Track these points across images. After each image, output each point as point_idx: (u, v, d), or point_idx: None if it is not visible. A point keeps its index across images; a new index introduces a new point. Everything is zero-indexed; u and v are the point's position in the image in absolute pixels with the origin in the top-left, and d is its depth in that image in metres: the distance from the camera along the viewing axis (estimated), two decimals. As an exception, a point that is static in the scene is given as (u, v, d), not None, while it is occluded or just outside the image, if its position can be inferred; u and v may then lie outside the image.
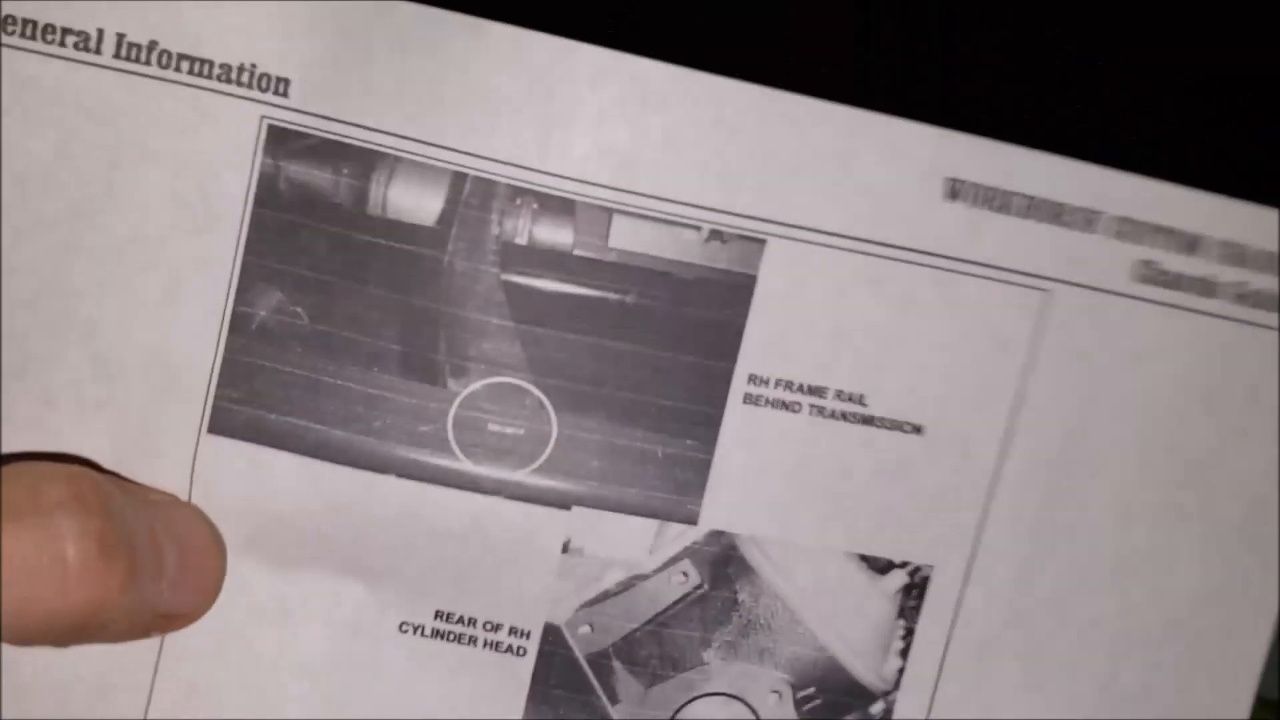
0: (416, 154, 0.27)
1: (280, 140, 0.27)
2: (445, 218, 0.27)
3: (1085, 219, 0.29)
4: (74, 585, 0.24)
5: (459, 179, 0.27)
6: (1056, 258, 0.29)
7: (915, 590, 0.31)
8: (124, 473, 0.29)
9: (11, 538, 0.23)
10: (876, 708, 0.31)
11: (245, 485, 0.28)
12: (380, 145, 0.27)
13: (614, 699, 0.30)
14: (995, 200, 0.29)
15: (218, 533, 0.27)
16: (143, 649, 0.29)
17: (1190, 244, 0.30)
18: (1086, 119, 0.30)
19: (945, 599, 0.31)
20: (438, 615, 0.29)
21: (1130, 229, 0.29)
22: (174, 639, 0.29)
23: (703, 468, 0.29)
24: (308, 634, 0.29)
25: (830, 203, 0.28)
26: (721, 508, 0.30)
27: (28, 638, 0.24)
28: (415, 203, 0.27)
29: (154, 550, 0.25)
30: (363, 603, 0.29)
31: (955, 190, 0.29)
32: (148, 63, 0.27)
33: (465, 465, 0.29)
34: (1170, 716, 0.32)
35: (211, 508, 0.28)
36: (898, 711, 0.31)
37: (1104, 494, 0.31)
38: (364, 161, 0.27)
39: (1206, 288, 0.30)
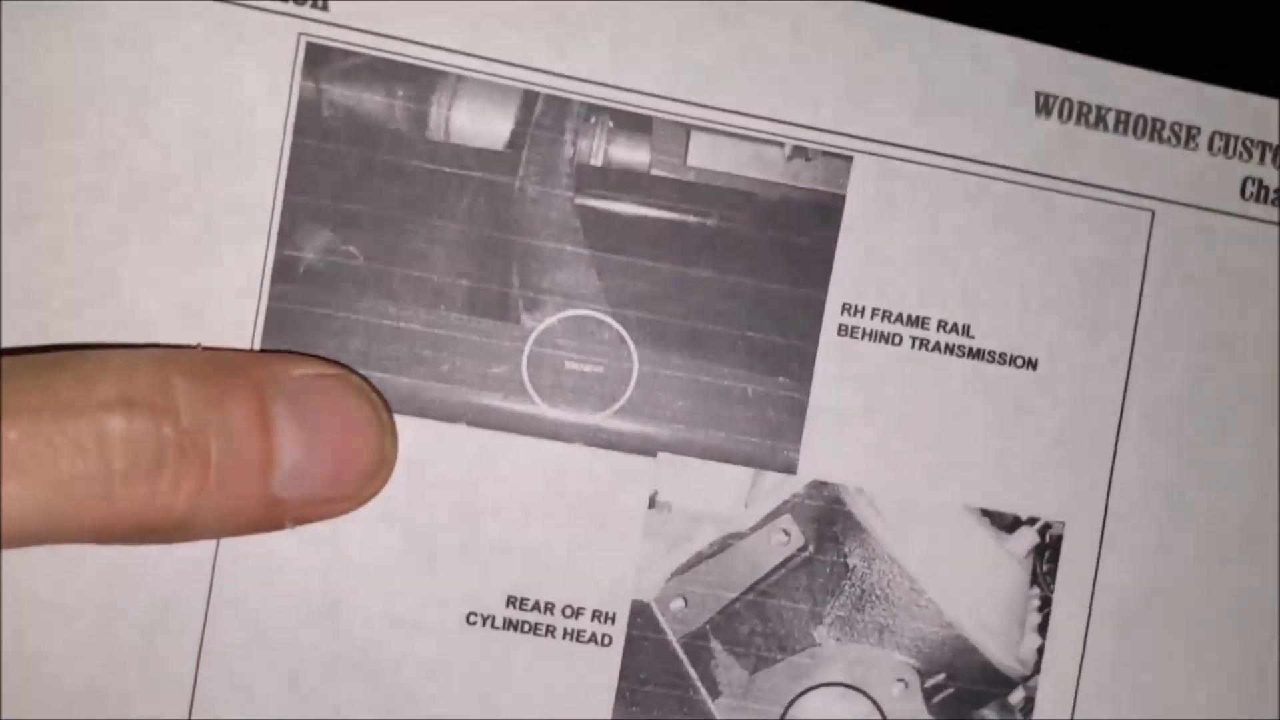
0: (483, 72, 0.25)
1: (321, 60, 0.26)
2: (515, 140, 0.26)
3: (1185, 135, 0.27)
4: (121, 496, 0.21)
5: (530, 98, 0.25)
6: (1160, 176, 0.27)
7: (1048, 552, 0.27)
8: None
9: (52, 437, 0.20)
10: (1016, 696, 0.27)
11: None
12: (441, 64, 0.25)
13: (715, 691, 0.26)
14: (1088, 115, 0.27)
15: (374, 406, 0.24)
16: (181, 645, 0.25)
17: None
18: (1177, 32, 0.28)
19: (1082, 563, 0.27)
20: (509, 602, 0.26)
21: (1233, 145, 0.27)
22: (212, 630, 0.26)
23: (798, 408, 0.26)
24: (363, 629, 0.25)
25: (917, 117, 0.26)
26: (822, 454, 0.26)
27: (79, 539, 0.21)
28: (483, 125, 0.26)
29: (257, 438, 0.22)
30: (425, 591, 0.25)
31: (1046, 104, 0.27)
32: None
33: (542, 409, 0.26)
34: None
35: None
36: (1040, 700, 0.27)
37: (1240, 437, 0.27)
38: (422, 82, 0.26)
39: None
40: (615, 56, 0.25)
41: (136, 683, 0.25)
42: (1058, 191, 0.27)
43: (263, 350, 0.25)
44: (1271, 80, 0.28)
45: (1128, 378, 0.27)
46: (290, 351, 0.24)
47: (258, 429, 0.22)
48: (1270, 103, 0.27)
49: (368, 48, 0.25)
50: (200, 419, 0.21)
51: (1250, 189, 0.27)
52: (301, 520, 0.23)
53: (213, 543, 0.25)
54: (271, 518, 0.23)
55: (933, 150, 0.26)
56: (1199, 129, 0.27)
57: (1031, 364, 0.27)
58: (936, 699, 0.26)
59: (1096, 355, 0.27)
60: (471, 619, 0.25)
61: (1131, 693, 0.27)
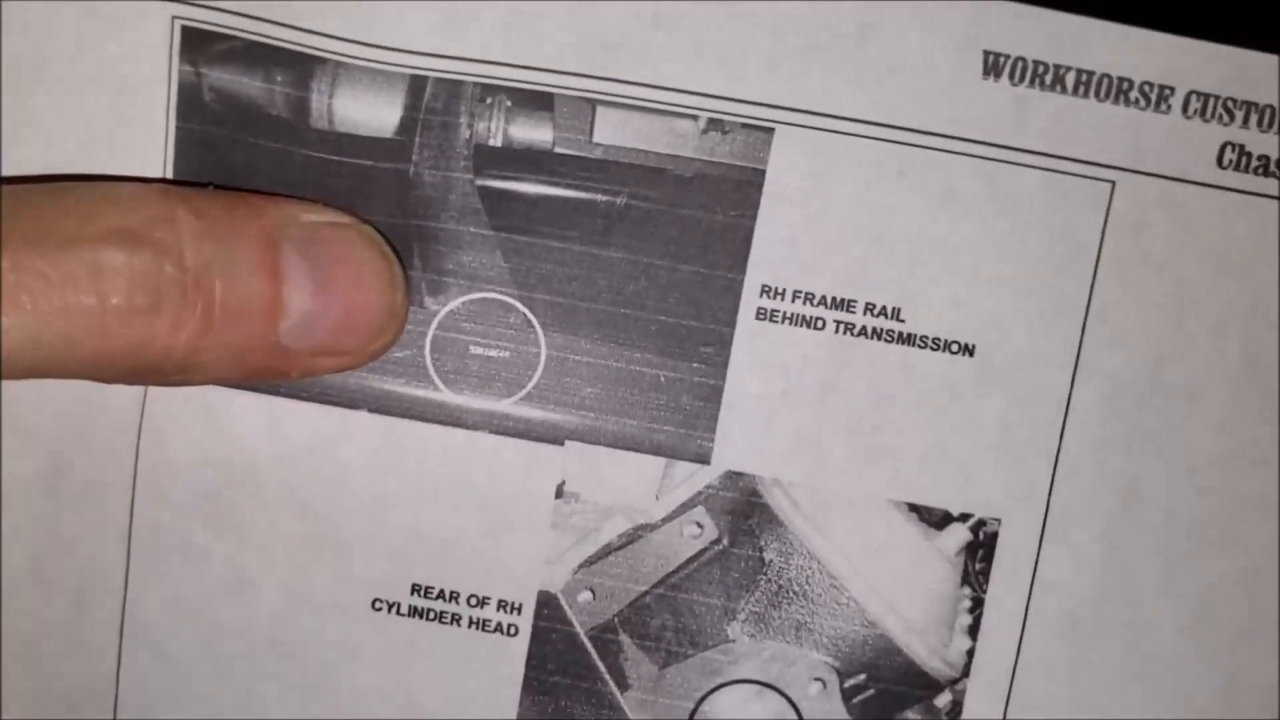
0: (364, 59, 0.23)
1: (198, 44, 0.24)
2: (405, 126, 0.23)
3: (1156, 96, 0.23)
4: (118, 330, 0.20)
5: (418, 83, 0.23)
6: (1124, 143, 0.23)
7: (981, 550, 0.24)
8: (67, 427, 0.24)
9: (47, 268, 0.19)
10: (942, 699, 0.24)
11: (198, 433, 0.24)
12: (318, 49, 0.23)
13: (624, 684, 0.24)
14: (1043, 76, 0.23)
15: (386, 259, 0.23)
16: (105, 614, 0.25)
17: None
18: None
19: (1019, 562, 0.24)
20: (415, 590, 0.24)
21: (1211, 106, 0.23)
22: (133, 599, 0.25)
23: (713, 395, 0.24)
24: (275, 607, 0.24)
25: (848, 84, 0.23)
26: (738, 444, 0.24)
27: (75, 374, 0.20)
28: (367, 114, 0.23)
29: (265, 283, 0.21)
30: (332, 576, 0.24)
31: (995, 65, 0.23)
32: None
33: (446, 395, 0.24)
34: None
35: (162, 460, 0.24)
36: (969, 704, 0.24)
37: (1204, 427, 0.24)
38: (299, 68, 0.23)
39: None
40: (509, 32, 0.23)
41: (65, 648, 0.24)
42: (1006, 162, 0.24)
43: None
44: (1254, 33, 0.23)
45: (1077, 364, 0.24)
46: (303, 198, 0.23)
47: (266, 273, 0.21)
48: (1254, 57, 0.23)
49: (243, 31, 0.23)
50: (205, 259, 0.20)
51: (1229, 155, 0.24)
52: (308, 372, 0.22)
53: (126, 515, 0.24)
54: (277, 367, 0.22)
55: (865, 120, 0.23)
56: (1172, 89, 0.23)
57: (968, 350, 0.24)
58: (856, 700, 0.24)
59: (1042, 341, 0.24)
60: (377, 605, 0.24)
61: (1070, 698, 0.24)
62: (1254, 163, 0.24)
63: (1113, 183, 0.24)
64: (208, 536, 0.24)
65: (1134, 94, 0.23)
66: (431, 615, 0.24)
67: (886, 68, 0.23)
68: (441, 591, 0.24)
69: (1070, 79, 0.23)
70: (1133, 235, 0.24)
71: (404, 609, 0.24)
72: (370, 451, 0.24)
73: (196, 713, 0.24)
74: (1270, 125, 0.23)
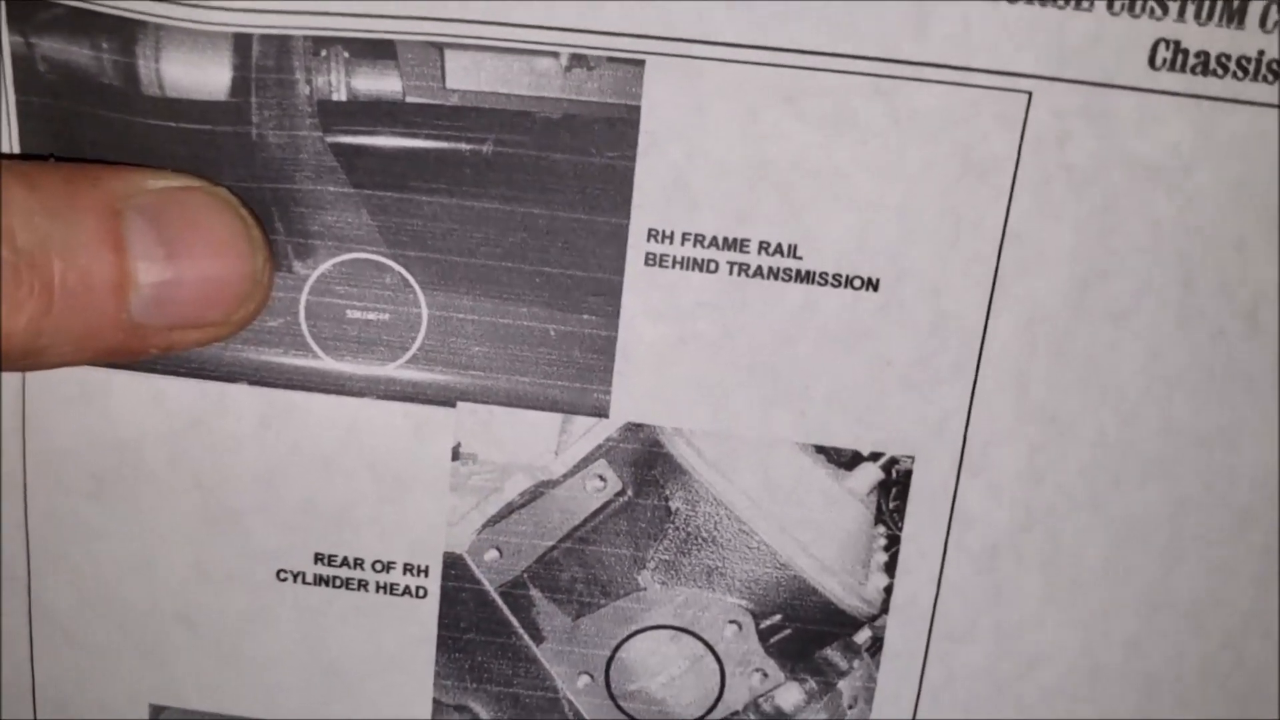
0: (183, 19, 0.20)
1: (23, 14, 0.21)
2: (239, 87, 0.21)
3: None
4: None
5: (243, 41, 0.20)
6: (1041, 48, 0.20)
7: (896, 489, 0.22)
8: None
9: None
10: (861, 636, 0.23)
11: (81, 416, 0.23)
12: (134, 12, 0.20)
13: (538, 637, 0.23)
14: None
15: (243, 221, 0.21)
16: (12, 604, 0.24)
17: (1233, 12, 0.19)
18: None
19: (936, 498, 0.22)
20: (318, 559, 0.23)
21: (1142, 0, 0.20)
22: (38, 588, 0.24)
23: (607, 347, 0.22)
24: (178, 582, 0.23)
25: (724, 5, 0.20)
26: (636, 395, 0.22)
27: None
28: (196, 77, 0.21)
29: (109, 257, 0.19)
30: (232, 549, 0.23)
31: None
32: None
33: (326, 363, 0.22)
34: (1238, 628, 0.22)
35: (51, 446, 0.23)
36: (890, 640, 0.23)
37: (1133, 353, 0.21)
38: (123, 34, 0.21)
39: (1254, 69, 0.20)
40: None
41: None
42: (904, 79, 0.21)
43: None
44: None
45: (993, 292, 0.22)
46: (148, 166, 0.21)
47: (109, 246, 0.19)
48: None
49: None
50: (40, 236, 0.19)
51: (1163, 54, 0.21)
52: (169, 348, 0.21)
53: (21, 504, 0.24)
54: (132, 345, 0.20)
55: (744, 44, 0.21)
56: (1095, -18, 0.20)
57: (872, 285, 0.22)
58: (774, 640, 0.24)
59: (953, 270, 0.22)
60: (282, 575, 0.23)
61: (992, 625, 0.23)
62: (1191, 61, 0.20)
63: (1029, 93, 0.21)
64: (104, 518, 0.23)
65: (1051, -9, 0.20)
66: (338, 583, 0.23)
67: (766, -18, 0.20)
68: (345, 559, 0.23)
69: (976, -20, 0.20)
70: (1053, 149, 0.21)
71: (309, 578, 0.23)
72: (254, 424, 0.23)
73: (115, 693, 0.24)
74: (1210, 16, 0.20)
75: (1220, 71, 0.20)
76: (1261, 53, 0.20)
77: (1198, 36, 0.20)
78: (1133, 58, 0.20)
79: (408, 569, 0.23)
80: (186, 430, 0.23)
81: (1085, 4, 0.20)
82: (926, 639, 0.23)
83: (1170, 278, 0.21)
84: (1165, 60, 0.20)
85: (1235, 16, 0.20)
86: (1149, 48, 0.20)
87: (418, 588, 0.23)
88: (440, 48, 0.21)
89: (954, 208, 0.21)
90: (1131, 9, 0.20)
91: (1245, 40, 0.20)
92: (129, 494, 0.23)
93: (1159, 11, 0.20)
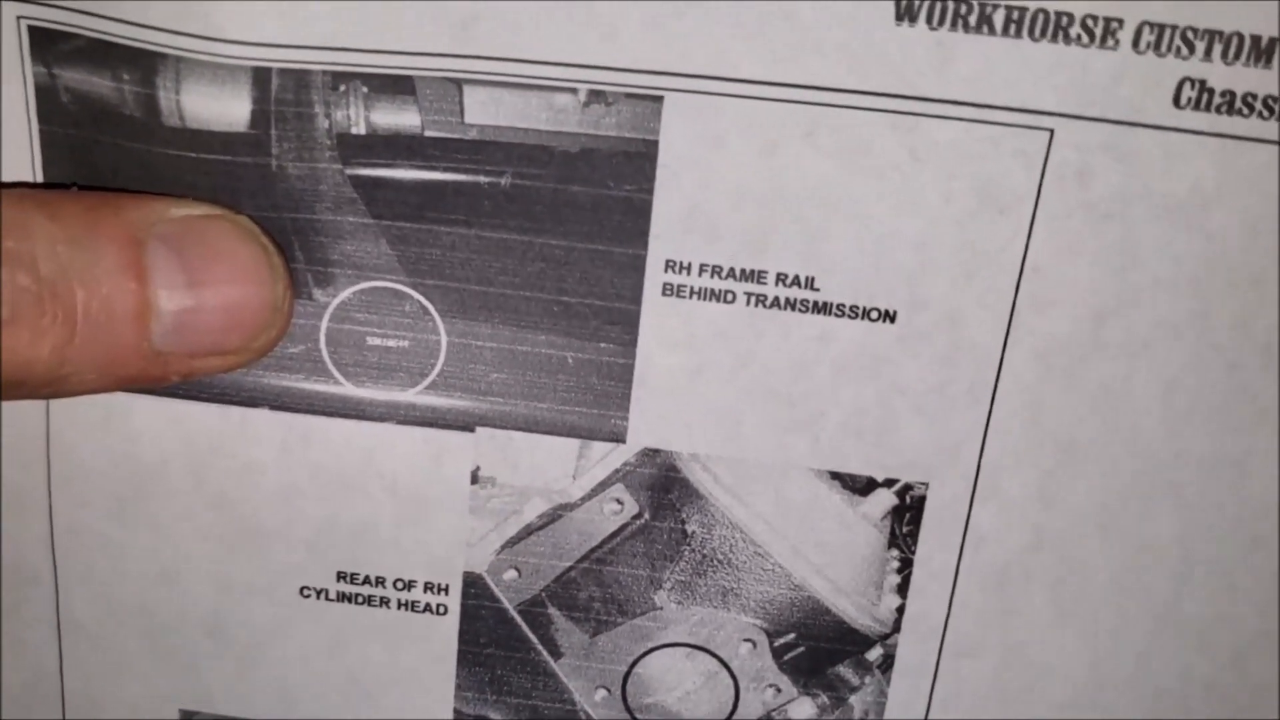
0: (203, 53, 0.19)
1: (46, 44, 0.21)
2: (258, 120, 0.21)
3: (1103, 30, 0.19)
4: None
5: (262, 74, 0.20)
6: (1064, 85, 0.20)
7: (909, 513, 0.22)
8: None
9: None
10: (874, 653, 0.23)
11: (104, 438, 0.23)
12: (155, 45, 0.20)
13: (556, 653, 0.24)
14: (967, 17, 0.20)
15: (264, 250, 0.21)
16: (39, 617, 0.25)
17: (1260, 51, 0.19)
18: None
19: (948, 522, 0.22)
20: (340, 576, 0.23)
21: (1167, 39, 0.19)
22: (65, 602, 0.25)
23: (624, 374, 0.22)
24: (203, 596, 0.23)
25: (741, 41, 0.20)
26: (653, 421, 0.22)
27: None
28: (216, 109, 0.21)
29: (131, 285, 0.19)
30: (256, 564, 0.23)
31: (910, 8, 0.20)
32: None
33: (347, 389, 0.22)
34: (1244, 647, 0.23)
35: (74, 465, 0.23)
36: (901, 657, 0.23)
37: (1148, 384, 0.21)
38: (143, 66, 0.21)
39: (1279, 108, 0.20)
40: (354, 16, 0.20)
41: (6, 654, 0.25)
42: (925, 115, 0.21)
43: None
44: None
45: (1010, 324, 0.22)
46: (170, 194, 0.21)
47: (131, 275, 0.19)
48: (1219, -21, 0.20)
49: (85, 29, 0.20)
50: (63, 264, 0.19)
51: (1188, 93, 0.20)
52: (190, 375, 0.21)
53: (46, 520, 0.24)
54: (153, 372, 0.20)
55: (763, 80, 0.20)
56: (1120, 21, 0.20)
57: (889, 316, 0.22)
58: (788, 657, 0.24)
59: (971, 302, 0.22)
60: (305, 592, 0.24)
61: (1002, 643, 0.24)
62: (1216, 100, 0.20)
63: (1050, 130, 0.20)
64: (128, 535, 0.24)
65: (1075, 30, 0.20)
66: (360, 599, 0.24)
67: (785, 21, 0.20)
68: (367, 577, 0.24)
69: (999, 18, 0.20)
70: (1074, 186, 0.21)
71: (332, 594, 0.24)
72: (276, 448, 0.23)
73: (145, 697, 0.25)
74: (1237, 56, 0.20)
75: (1245, 111, 0.20)
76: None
77: (1224, 76, 0.20)
78: (1157, 96, 0.20)
79: (428, 587, 0.24)
80: (209, 455, 0.23)
81: (1110, 42, 0.20)
82: (937, 655, 0.24)
83: (1187, 312, 0.21)
84: (1190, 99, 0.20)
85: (1263, 56, 0.20)
86: (1174, 86, 0.20)
87: (438, 605, 0.24)
88: (459, 83, 0.21)
89: (972, 241, 0.21)
90: (1157, 48, 0.20)
91: (1271, 80, 0.20)
92: (152, 513, 0.23)
93: (1185, 51, 0.20)
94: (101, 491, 0.23)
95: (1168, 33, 0.20)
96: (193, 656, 0.24)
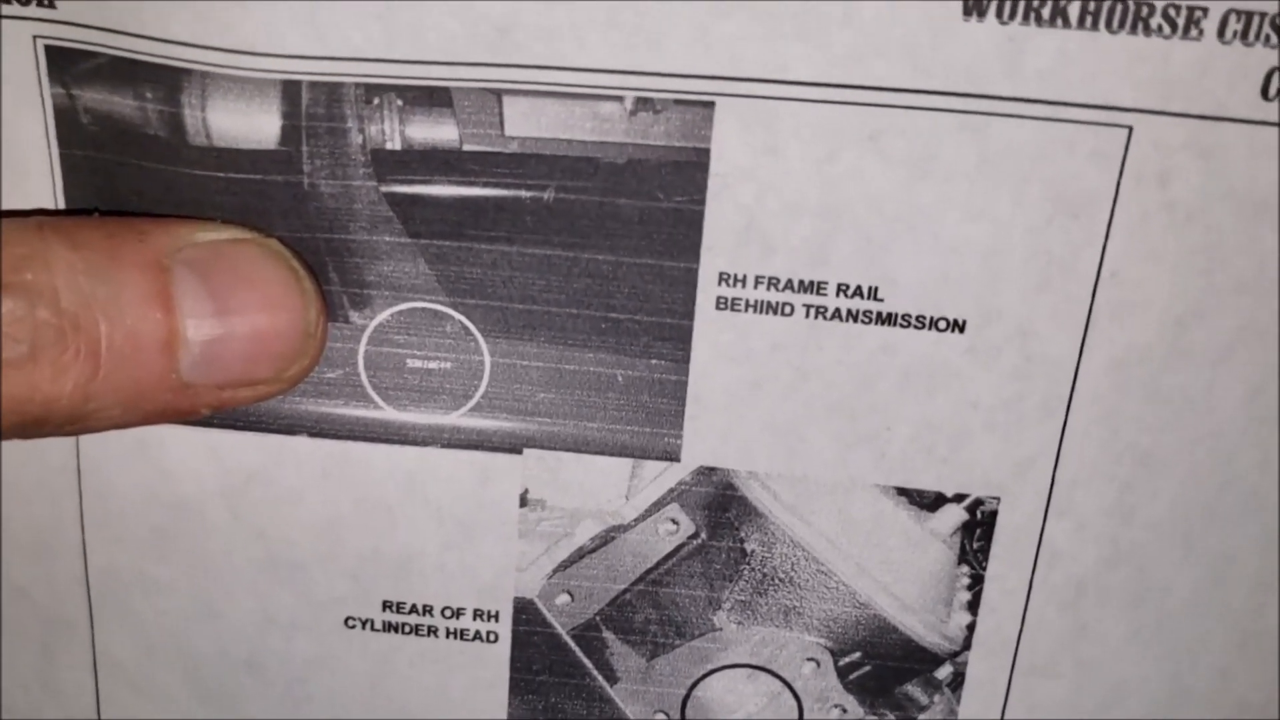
0: (230, 67, 0.18)
1: (63, 64, 0.20)
2: (289, 136, 0.20)
3: (1186, 20, 0.17)
4: None
5: (292, 88, 0.18)
6: (1143, 80, 0.18)
7: (980, 529, 0.21)
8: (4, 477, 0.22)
9: None
10: (943, 672, 0.22)
11: (138, 472, 0.22)
12: (180, 60, 0.18)
13: (612, 678, 0.22)
14: (1039, 10, 0.18)
15: (295, 274, 0.20)
16: (75, 657, 0.24)
17: None
18: None
19: (1021, 537, 0.21)
20: (386, 606, 0.22)
21: (1255, 27, 0.18)
22: (101, 641, 0.24)
23: (677, 391, 0.20)
24: (245, 630, 0.22)
25: (798, 43, 0.18)
26: (708, 439, 0.21)
27: None
28: (244, 126, 0.20)
29: (157, 315, 0.18)
30: (297, 597, 0.22)
31: (979, 3, 0.18)
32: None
33: (388, 413, 0.21)
34: None
35: (108, 502, 0.22)
36: (971, 675, 0.22)
37: (1231, 391, 0.20)
38: (167, 83, 0.20)
39: None
40: (386, 25, 0.19)
41: (41, 697, 0.24)
42: (995, 115, 0.19)
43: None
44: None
45: (1086, 332, 0.20)
46: (196, 217, 0.20)
47: (156, 304, 0.18)
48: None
49: (104, 46, 0.19)
50: (85, 296, 0.18)
51: (1277, 85, 0.19)
52: (220, 406, 0.20)
53: (80, 559, 0.23)
54: (181, 405, 0.19)
55: (821, 82, 0.19)
56: (1205, 10, 0.18)
57: (958, 326, 0.20)
58: (853, 676, 0.23)
59: (1044, 311, 0.20)
60: (350, 623, 0.23)
61: (1076, 661, 0.22)
62: (1311, 90, 0.18)
63: (1129, 128, 0.19)
64: (166, 570, 0.22)
65: (1156, 20, 0.18)
66: (407, 629, 0.23)
67: (844, 20, 0.18)
68: (414, 606, 0.23)
69: (1074, 10, 0.18)
70: (1154, 186, 0.19)
71: (378, 625, 0.23)
72: (316, 476, 0.22)
73: (185, 736, 0.23)
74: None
75: (1339, 102, 0.18)
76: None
77: (1316, 65, 0.18)
78: (1243, 89, 0.19)
79: (478, 615, 0.22)
80: (246, 485, 0.22)
81: (1193, 32, 0.18)
82: (1009, 674, 0.22)
83: (1272, 315, 0.20)
84: (1279, 90, 0.18)
85: (1356, 43, 0.18)
86: (1262, 78, 0.18)
87: (488, 633, 0.23)
88: (498, 94, 0.19)
89: (1046, 248, 0.20)
90: (1244, 37, 0.18)
91: (1368, 70, 0.18)
92: (190, 547, 0.22)
93: (1275, 39, 0.18)
94: (136, 527, 0.22)
95: (1256, 20, 0.18)
96: (234, 694, 0.23)
